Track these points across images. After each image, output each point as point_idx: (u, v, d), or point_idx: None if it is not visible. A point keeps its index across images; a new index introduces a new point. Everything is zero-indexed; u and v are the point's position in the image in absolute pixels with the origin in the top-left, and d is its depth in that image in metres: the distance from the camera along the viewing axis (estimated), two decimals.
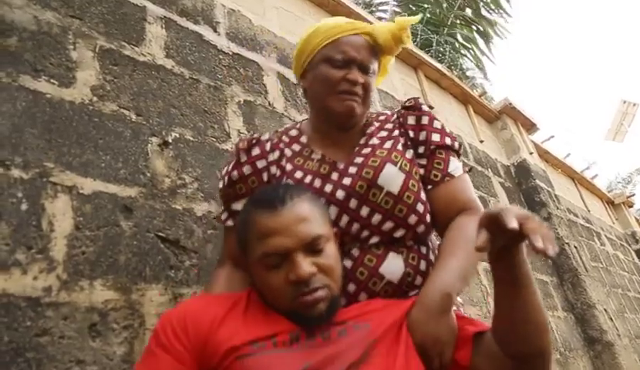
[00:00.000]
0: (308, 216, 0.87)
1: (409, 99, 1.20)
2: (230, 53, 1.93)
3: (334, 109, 1.09)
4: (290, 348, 0.80)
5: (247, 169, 1.11)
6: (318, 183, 1.06)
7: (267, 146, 1.14)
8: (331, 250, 0.89)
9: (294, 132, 1.20)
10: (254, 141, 1.16)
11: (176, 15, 1.78)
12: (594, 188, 5.77)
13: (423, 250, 1.06)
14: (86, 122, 1.30)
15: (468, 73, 4.93)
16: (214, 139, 1.63)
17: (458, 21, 5.15)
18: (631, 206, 7.05)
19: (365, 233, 1.02)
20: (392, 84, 3.01)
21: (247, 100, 1.86)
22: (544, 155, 4.70)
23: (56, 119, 1.24)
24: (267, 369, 0.77)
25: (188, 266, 1.34)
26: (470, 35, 5.23)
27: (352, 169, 1.05)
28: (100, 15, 1.51)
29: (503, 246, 0.75)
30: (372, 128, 1.15)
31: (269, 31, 2.22)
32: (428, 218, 1.06)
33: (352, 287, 0.98)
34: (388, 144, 1.09)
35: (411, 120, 1.14)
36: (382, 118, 1.19)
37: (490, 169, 3.58)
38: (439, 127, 1.14)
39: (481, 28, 5.26)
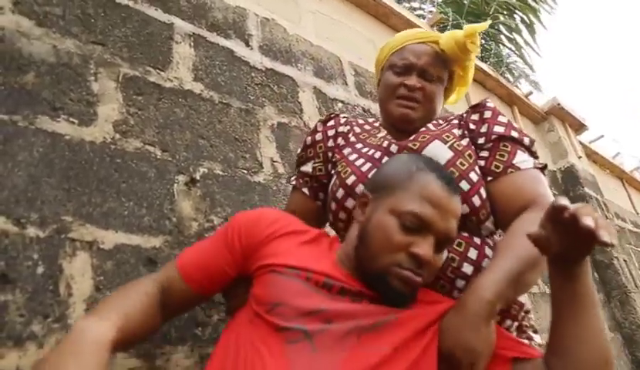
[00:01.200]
0: (459, 218, 0.87)
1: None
2: (264, 69, 1.78)
3: (392, 113, 1.13)
4: (316, 289, 0.81)
5: (318, 136, 1.22)
6: (377, 154, 1.07)
7: (342, 120, 1.23)
8: (445, 254, 0.89)
9: (371, 119, 1.26)
10: (332, 115, 1.26)
11: (205, 31, 1.64)
12: None
13: (476, 239, 0.95)
14: (108, 164, 1.20)
15: (511, 66, 4.61)
16: (245, 171, 1.50)
17: (500, 10, 4.82)
18: None
19: None
20: None
21: (280, 122, 1.72)
22: (592, 155, 4.40)
23: (76, 164, 1.14)
24: (286, 292, 0.81)
25: (217, 321, 1.23)
26: (514, 24, 4.90)
27: (405, 143, 1.06)
28: (124, 38, 1.39)
29: (566, 251, 0.66)
30: (433, 123, 1.11)
31: (305, 40, 2.06)
32: (477, 203, 0.96)
33: None
34: (442, 127, 1.07)
35: (474, 116, 1.09)
36: (446, 117, 1.16)
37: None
38: (505, 121, 1.06)
39: (525, 18, 4.92)
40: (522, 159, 0.99)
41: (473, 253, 0.94)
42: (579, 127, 4.06)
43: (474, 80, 3.28)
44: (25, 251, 0.99)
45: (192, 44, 1.57)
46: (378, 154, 1.07)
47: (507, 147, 1.01)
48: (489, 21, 1.24)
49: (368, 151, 1.09)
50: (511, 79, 4.23)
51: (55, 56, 1.21)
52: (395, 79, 1.13)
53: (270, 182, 1.56)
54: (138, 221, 1.19)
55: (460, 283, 0.93)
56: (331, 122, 1.23)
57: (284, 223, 0.95)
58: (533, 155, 1.04)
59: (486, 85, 3.38)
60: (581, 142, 4.12)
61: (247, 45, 1.77)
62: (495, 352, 0.78)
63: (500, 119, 1.06)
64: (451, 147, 1.00)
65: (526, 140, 1.03)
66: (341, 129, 1.20)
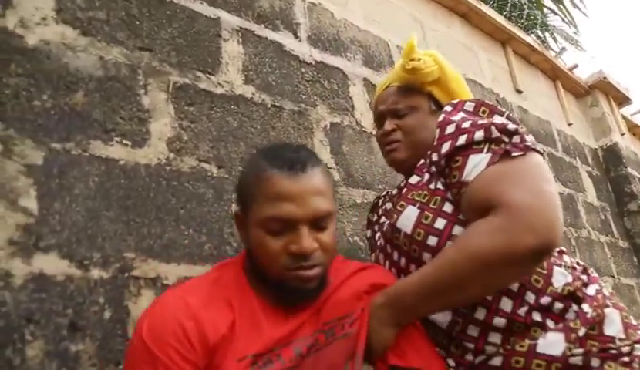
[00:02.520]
0: (323, 188, 0.82)
1: None
2: (313, 63, 1.65)
3: (387, 164, 1.16)
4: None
5: (369, 233, 1.25)
6: (385, 223, 1.06)
7: (380, 202, 1.24)
8: (333, 228, 0.85)
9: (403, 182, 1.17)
10: (375, 200, 1.29)
11: (253, 23, 1.50)
12: None
13: None
14: (164, 189, 1.11)
15: (555, 33, 4.34)
16: None
17: None
18: None
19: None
20: (479, 68, 2.64)
21: (333, 123, 1.60)
22: (633, 128, 4.19)
23: (132, 192, 1.05)
24: None
25: None
26: None
27: (390, 214, 1.04)
28: (171, 40, 1.27)
29: None
30: (422, 162, 1.01)
31: (352, 25, 1.90)
32: None
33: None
34: (414, 180, 0.99)
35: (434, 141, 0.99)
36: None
37: (577, 158, 3.20)
38: (452, 130, 0.92)
39: None
40: (472, 165, 0.86)
41: (481, 314, 0.86)
42: (623, 100, 3.85)
43: (518, 54, 3.08)
44: (91, 295, 0.92)
45: (240, 40, 1.44)
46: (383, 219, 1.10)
47: (458, 162, 0.89)
48: (414, 34, 1.13)
49: (380, 224, 1.12)
50: (556, 47, 3.98)
51: (102, 69, 1.10)
52: (378, 133, 1.15)
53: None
54: (199, 250, 1.11)
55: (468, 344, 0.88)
56: (372, 217, 1.25)
57: (214, 310, 0.79)
58: (494, 139, 0.87)
59: (530, 59, 3.18)
60: (623, 116, 3.91)
61: (296, 36, 1.63)
62: (386, 354, 0.83)
63: (448, 130, 0.93)
64: (419, 206, 0.93)
65: (477, 135, 0.88)
66: (375, 218, 1.22)
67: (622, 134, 3.61)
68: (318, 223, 0.80)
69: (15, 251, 0.87)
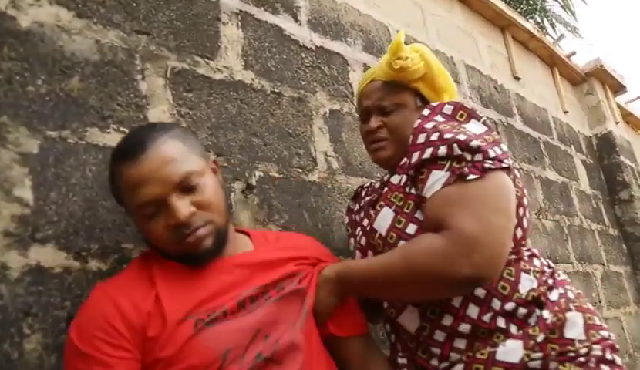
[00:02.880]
0: (172, 156, 0.82)
1: None
2: (313, 48, 1.61)
3: (373, 161, 1.14)
4: (238, 315, 0.80)
5: (346, 220, 1.26)
6: (364, 221, 1.07)
7: (363, 193, 1.23)
8: (207, 182, 0.85)
9: (386, 177, 1.16)
10: (357, 190, 1.29)
11: (252, 6, 1.46)
12: None
13: (455, 301, 0.88)
14: None
15: (554, 19, 4.30)
16: (300, 171, 1.39)
17: None
18: None
19: None
20: (478, 54, 2.61)
21: (332, 110, 1.58)
22: (627, 117, 4.21)
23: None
24: (224, 339, 0.76)
25: None
26: None
27: (369, 212, 1.05)
28: (169, 23, 1.23)
29: None
30: (404, 161, 0.99)
31: (353, 8, 1.86)
32: None
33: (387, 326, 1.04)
34: (395, 179, 0.99)
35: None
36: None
37: (572, 146, 3.21)
38: (422, 140, 0.93)
39: None
40: (432, 182, 0.87)
41: (447, 320, 0.88)
42: (618, 88, 3.85)
43: (517, 40, 3.06)
44: (89, 287, 0.90)
45: (239, 24, 1.40)
46: (362, 223, 1.09)
47: (423, 174, 0.90)
48: (402, 31, 1.09)
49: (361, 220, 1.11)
50: (554, 34, 3.95)
51: (98, 53, 1.07)
52: (362, 128, 1.13)
53: (325, 180, 1.45)
54: None
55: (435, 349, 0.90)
56: (352, 204, 1.26)
57: (132, 292, 0.80)
58: (456, 157, 0.86)
59: (529, 46, 3.15)
60: (617, 104, 3.92)
61: (296, 19, 1.59)
62: (326, 322, 0.93)
63: (419, 139, 0.93)
64: (395, 209, 0.95)
65: (440, 151, 0.88)
66: (357, 207, 1.21)
67: (617, 123, 3.63)
68: (183, 187, 0.81)
69: (10, 243, 0.85)
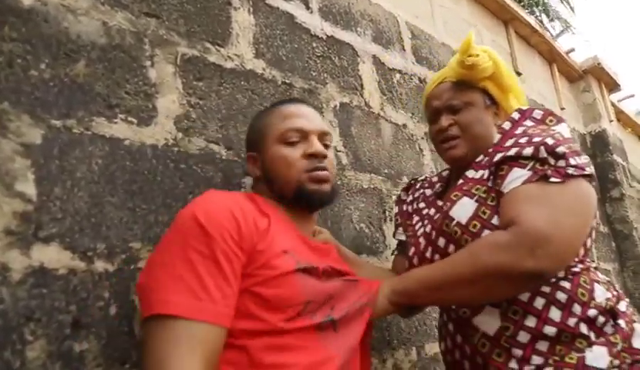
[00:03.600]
0: (319, 118, 1.02)
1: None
2: (324, 37, 1.55)
3: (444, 159, 1.14)
4: (322, 278, 0.86)
5: (396, 209, 1.29)
6: (424, 208, 1.14)
7: (417, 185, 1.25)
8: (332, 155, 1.02)
9: (445, 173, 1.23)
10: (412, 182, 1.30)
11: None
12: None
13: (537, 303, 0.88)
14: (172, 172, 1.03)
15: (552, 14, 4.28)
16: None
17: None
18: None
19: None
20: None
21: (342, 103, 1.53)
22: (618, 115, 4.23)
23: (138, 176, 0.97)
24: (310, 290, 0.82)
25: None
26: None
27: (441, 203, 1.07)
28: (179, 6, 1.15)
29: None
30: (482, 155, 1.02)
31: None
32: None
33: (451, 326, 1.02)
34: (472, 174, 1.01)
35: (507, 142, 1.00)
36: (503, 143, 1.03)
37: None
38: (510, 143, 0.95)
39: None
40: (512, 178, 0.89)
41: (531, 321, 0.88)
42: (613, 86, 3.86)
43: (519, 35, 3.02)
44: (95, 290, 0.85)
45: (251, 10, 1.33)
46: (429, 211, 1.11)
47: (503, 170, 0.92)
48: (472, 31, 1.15)
49: (426, 210, 1.13)
50: (552, 30, 3.93)
51: (106, 36, 0.99)
52: (432, 128, 1.13)
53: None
54: None
55: (518, 350, 0.88)
56: (404, 196, 1.27)
57: (246, 211, 0.85)
58: (540, 159, 0.88)
59: (530, 41, 3.12)
60: (611, 103, 3.94)
61: (307, 7, 1.52)
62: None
63: (507, 143, 0.95)
64: (477, 199, 0.95)
65: (526, 151, 0.89)
66: (415, 194, 1.23)
67: (611, 121, 3.64)
68: (323, 140, 0.97)
69: (12, 242, 0.78)
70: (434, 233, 1.01)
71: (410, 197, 1.24)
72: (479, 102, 1.07)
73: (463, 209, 0.95)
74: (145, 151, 0.99)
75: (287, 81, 1.36)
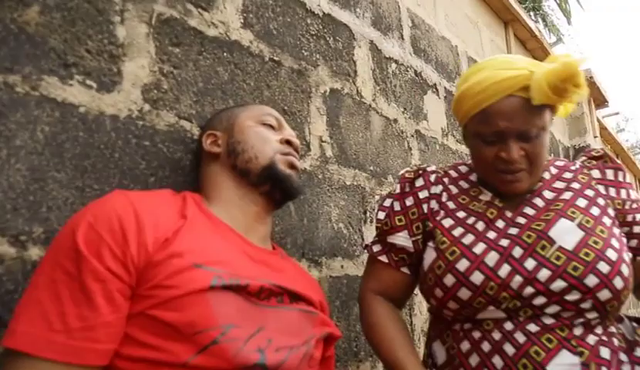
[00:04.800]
0: None
1: (591, 149, 1.03)
2: (321, 14, 1.41)
3: (497, 187, 0.94)
4: (252, 298, 0.70)
5: (409, 201, 1.01)
6: (481, 226, 0.92)
7: (432, 178, 1.03)
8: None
9: (463, 169, 1.05)
10: (419, 172, 1.05)
11: None
12: (634, 168, 5.39)
13: (622, 356, 0.81)
14: (134, 149, 0.89)
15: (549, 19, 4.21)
16: None
17: None
18: None
19: (538, 297, 0.82)
20: (481, 47, 2.47)
21: (333, 89, 1.40)
22: (601, 130, 4.24)
23: (92, 150, 0.83)
24: (233, 313, 0.67)
25: None
26: None
27: (521, 220, 0.91)
28: None
29: None
30: (546, 176, 0.96)
31: None
32: (619, 285, 0.82)
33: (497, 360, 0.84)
34: (566, 195, 0.92)
35: (610, 175, 0.96)
36: (559, 164, 1.00)
37: (552, 154, 3.18)
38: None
39: None
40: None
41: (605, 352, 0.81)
42: (601, 102, 3.85)
43: (518, 38, 2.94)
44: (26, 282, 0.72)
45: None
46: (481, 226, 0.92)
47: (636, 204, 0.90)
48: (585, 58, 0.92)
49: (469, 220, 0.94)
50: (548, 39, 3.87)
51: None
52: (488, 151, 0.90)
53: (316, 169, 1.29)
54: None
55: None
56: (420, 182, 1.02)
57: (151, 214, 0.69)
58: None
59: (527, 45, 3.05)
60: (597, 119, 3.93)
61: None
62: None
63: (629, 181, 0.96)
64: (580, 225, 0.86)
65: None
66: (433, 190, 1.01)
67: (595, 136, 3.63)
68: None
69: None
70: (519, 250, 0.85)
71: (426, 193, 1.00)
72: (548, 124, 0.90)
73: (565, 232, 0.85)
74: (103, 121, 0.86)
75: (275, 58, 1.23)
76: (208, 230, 0.75)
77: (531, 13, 3.93)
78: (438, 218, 0.96)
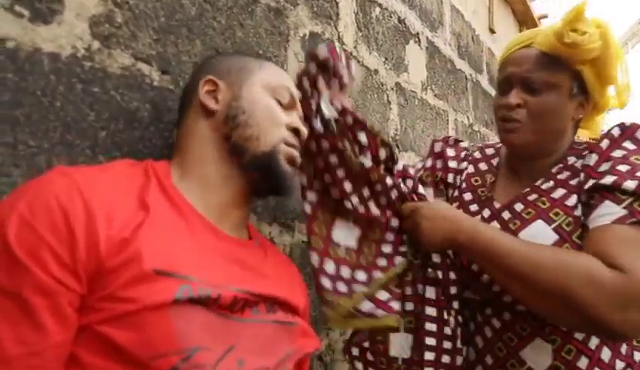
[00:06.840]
0: None
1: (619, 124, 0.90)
2: None
3: (500, 140, 0.98)
4: (223, 312, 0.59)
5: (439, 163, 1.07)
6: (474, 208, 0.97)
7: (462, 154, 1.07)
8: None
9: (490, 151, 1.06)
10: (455, 141, 1.11)
11: None
12: None
13: (591, 342, 0.83)
14: (79, 96, 0.74)
15: None
16: None
17: None
18: None
19: (505, 295, 0.87)
20: None
21: (313, 32, 1.25)
22: None
23: (26, 97, 0.67)
24: (199, 332, 0.55)
25: None
26: None
27: (505, 214, 0.91)
28: None
29: None
30: (562, 165, 0.92)
31: None
32: None
33: (489, 360, 0.90)
34: (557, 194, 0.88)
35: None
36: (585, 152, 0.92)
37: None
38: (606, 167, 0.83)
39: None
40: (601, 212, 0.79)
41: (582, 362, 0.83)
42: None
43: None
44: None
45: None
46: (474, 208, 0.97)
47: (594, 199, 0.82)
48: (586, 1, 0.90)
49: (472, 204, 0.98)
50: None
51: None
52: (498, 99, 0.94)
53: None
54: None
55: None
56: (452, 152, 1.07)
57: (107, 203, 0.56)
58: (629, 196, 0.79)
59: None
60: None
61: None
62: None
63: (602, 167, 0.84)
64: (557, 229, 0.83)
65: (627, 184, 0.78)
66: (461, 166, 1.05)
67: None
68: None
69: None
70: (495, 223, 0.90)
71: (455, 163, 1.05)
72: (565, 87, 0.87)
73: (538, 234, 0.83)
74: (40, 60, 0.69)
75: None
76: (174, 222, 0.61)
77: None
78: (450, 192, 1.02)
